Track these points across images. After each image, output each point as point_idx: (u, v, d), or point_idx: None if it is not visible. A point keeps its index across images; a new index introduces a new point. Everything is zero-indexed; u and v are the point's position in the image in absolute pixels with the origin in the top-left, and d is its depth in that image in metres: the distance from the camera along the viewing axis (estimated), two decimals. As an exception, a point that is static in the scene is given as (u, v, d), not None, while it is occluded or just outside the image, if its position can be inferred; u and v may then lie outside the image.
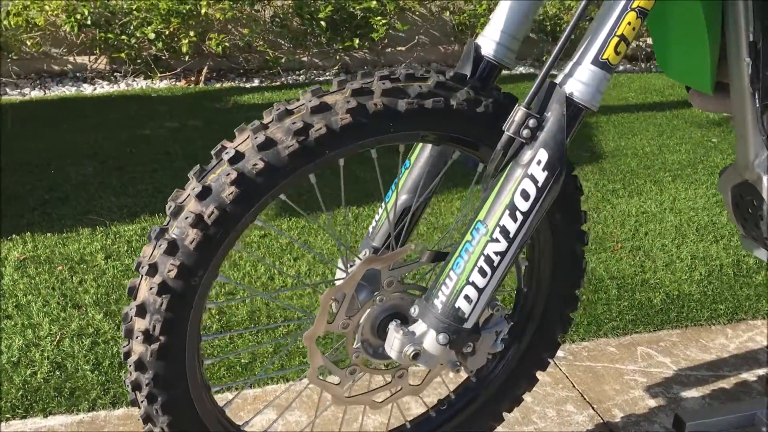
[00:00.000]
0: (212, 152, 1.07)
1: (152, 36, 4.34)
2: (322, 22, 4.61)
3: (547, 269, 1.36)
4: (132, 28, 4.36)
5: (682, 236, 2.64)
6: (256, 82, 4.71)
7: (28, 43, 4.34)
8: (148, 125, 3.68)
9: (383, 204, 1.34)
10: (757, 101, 1.19)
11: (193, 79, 4.60)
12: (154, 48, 4.46)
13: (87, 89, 4.43)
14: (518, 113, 1.08)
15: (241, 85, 4.64)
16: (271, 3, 4.67)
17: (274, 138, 1.03)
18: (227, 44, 4.53)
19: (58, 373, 1.87)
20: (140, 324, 1.05)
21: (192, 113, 3.89)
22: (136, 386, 1.09)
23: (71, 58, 4.58)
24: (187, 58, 4.51)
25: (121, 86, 4.49)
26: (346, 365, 1.24)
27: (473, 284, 1.13)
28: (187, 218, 1.01)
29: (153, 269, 1.03)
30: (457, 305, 1.14)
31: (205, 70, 4.62)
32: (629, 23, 1.05)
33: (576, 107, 1.09)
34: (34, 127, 3.62)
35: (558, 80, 1.10)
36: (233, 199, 1.01)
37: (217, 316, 2.11)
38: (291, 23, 4.74)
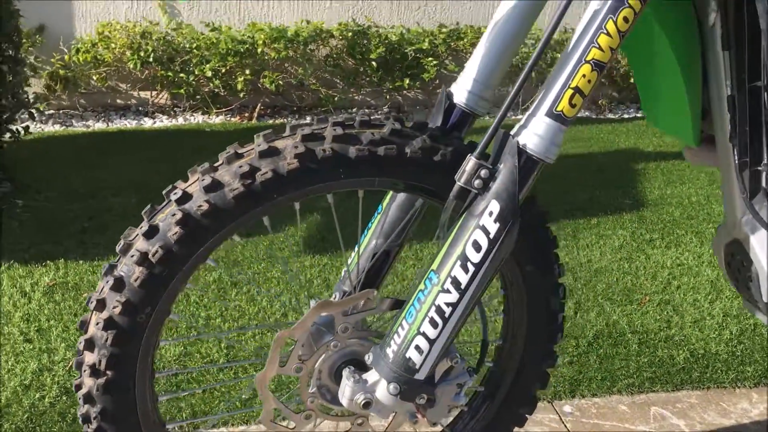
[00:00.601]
0: (164, 192, 1.10)
1: (209, 74, 4.50)
2: (373, 63, 4.69)
3: (521, 322, 1.32)
4: (191, 65, 4.54)
5: (717, 291, 2.52)
6: (308, 119, 4.80)
7: (95, 78, 4.58)
8: (196, 159, 3.78)
9: (356, 248, 1.34)
10: (735, 157, 1.14)
11: (247, 115, 4.74)
12: (211, 84, 4.63)
13: (147, 123, 4.62)
14: (469, 163, 1.07)
15: (293, 122, 4.75)
16: (326, 43, 4.78)
17: (222, 180, 1.05)
18: (281, 82, 4.66)
19: (65, 398, 1.92)
20: (89, 358, 1.08)
21: (239, 148, 4.00)
22: (86, 419, 1.11)
23: (135, 93, 4.80)
24: (242, 94, 4.65)
25: (179, 121, 4.67)
26: (302, 410, 1.23)
27: (424, 335, 1.11)
28: (133, 256, 1.03)
29: (101, 304, 1.05)
30: (407, 355, 1.12)
31: (258, 107, 4.75)
32: (584, 75, 1.03)
33: (530, 159, 1.06)
34: (90, 157, 3.80)
35: (513, 131, 1.09)
36: (178, 239, 1.03)
37: (225, 350, 2.14)
38: (345, 62, 4.84)
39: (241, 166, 1.04)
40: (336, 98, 4.83)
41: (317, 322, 1.21)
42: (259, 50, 4.54)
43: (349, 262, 1.35)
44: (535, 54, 1.03)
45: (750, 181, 1.12)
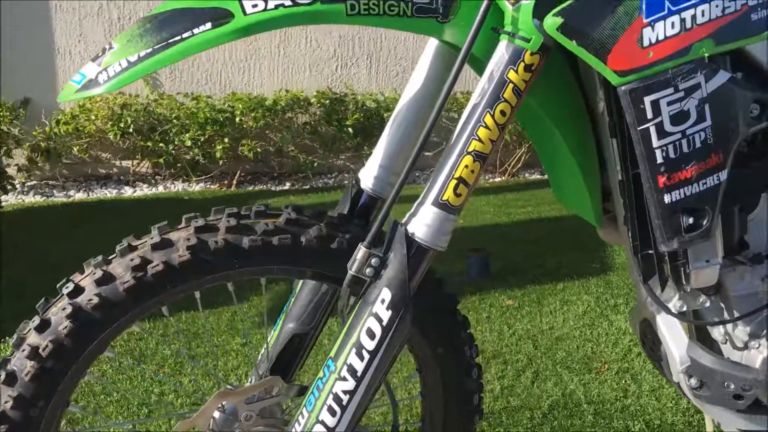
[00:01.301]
0: (57, 286, 1.12)
1: (189, 143, 4.58)
2: (350, 129, 4.77)
3: (438, 405, 1.31)
4: (171, 135, 4.63)
5: (677, 358, 2.50)
6: (287, 185, 4.86)
7: (76, 149, 4.66)
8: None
9: (271, 331, 1.35)
10: (630, 239, 1.15)
11: (226, 182, 4.79)
12: (191, 153, 4.70)
13: (127, 192, 4.68)
14: (360, 252, 1.08)
15: (273, 188, 4.80)
16: (304, 111, 4.88)
17: (114, 273, 1.06)
18: (259, 150, 4.73)
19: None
20: (-16, 452, 1.07)
21: (214, 217, 4.03)
22: None
23: (117, 162, 4.88)
24: (221, 162, 4.72)
25: (159, 189, 4.73)
26: (209, 500, 1.22)
27: (323, 423, 1.10)
28: (24, 351, 1.05)
29: (-6, 399, 1.06)
30: (307, 444, 1.11)
31: (238, 174, 4.81)
32: (467, 166, 1.06)
33: (420, 247, 1.08)
34: (66, 228, 3.84)
35: (404, 219, 1.11)
36: (68, 333, 1.04)
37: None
38: (323, 129, 4.93)
39: (132, 259, 1.06)
40: (315, 164, 4.90)
41: (226, 409, 1.21)
42: (237, 119, 4.63)
43: (265, 346, 1.35)
44: (421, 139, 1.06)
45: (643, 264, 1.14)
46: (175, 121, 4.62)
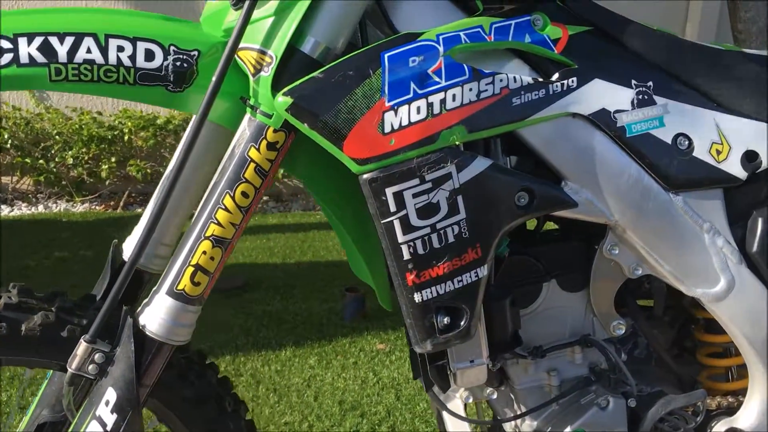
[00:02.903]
0: None
1: (71, 161, 4.35)
2: (245, 153, 4.62)
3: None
4: (53, 152, 4.38)
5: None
6: (179, 208, 4.66)
7: (-54, 164, 4.37)
8: (38, 254, 3.59)
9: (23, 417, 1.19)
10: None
11: (112, 203, 4.56)
12: (76, 171, 4.46)
13: (3, 210, 4.39)
14: (80, 347, 0.95)
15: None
16: (199, 131, 4.69)
17: None
18: (149, 170, 4.53)
19: None
20: None
21: (90, 242, 3.81)
22: None
23: (-5, 179, 4.59)
24: (107, 182, 4.49)
25: (39, 209, 4.46)
26: None
27: None
28: None
29: None
30: None
31: (126, 195, 4.59)
32: (205, 252, 0.93)
33: (151, 341, 0.95)
34: None
35: (138, 309, 0.97)
36: None
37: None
38: (219, 151, 4.76)
39: None
40: (210, 186, 4.72)
41: None
42: (126, 138, 4.42)
43: (16, 432, 1.20)
44: (155, 210, 0.94)
45: (414, 359, 1.04)
46: (57, 137, 4.37)
